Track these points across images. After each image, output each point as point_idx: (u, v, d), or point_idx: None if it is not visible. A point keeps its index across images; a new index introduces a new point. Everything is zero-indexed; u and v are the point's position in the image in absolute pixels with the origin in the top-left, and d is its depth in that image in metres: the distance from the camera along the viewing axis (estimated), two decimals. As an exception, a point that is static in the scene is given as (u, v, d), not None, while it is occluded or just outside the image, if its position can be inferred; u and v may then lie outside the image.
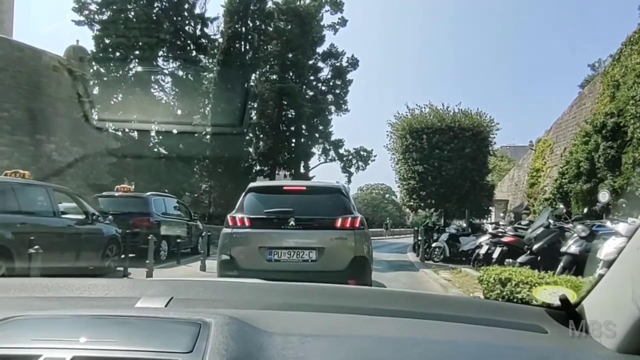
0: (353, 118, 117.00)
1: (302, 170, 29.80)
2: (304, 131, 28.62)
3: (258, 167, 27.98)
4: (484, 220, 19.77)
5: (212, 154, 24.16)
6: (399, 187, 17.14)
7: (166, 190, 21.51)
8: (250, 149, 27.49)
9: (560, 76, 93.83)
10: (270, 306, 1.14)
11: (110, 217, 9.36)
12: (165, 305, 1.07)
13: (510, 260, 7.90)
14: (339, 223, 5.43)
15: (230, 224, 5.49)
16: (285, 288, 1.39)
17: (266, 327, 0.93)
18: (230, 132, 23.63)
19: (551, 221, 7.72)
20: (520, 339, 1.03)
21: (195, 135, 23.71)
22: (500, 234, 9.44)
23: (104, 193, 11.85)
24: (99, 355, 0.77)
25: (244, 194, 5.84)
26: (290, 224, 5.35)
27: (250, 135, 26.39)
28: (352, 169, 33.32)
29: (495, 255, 8.44)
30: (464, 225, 18.47)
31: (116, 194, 10.96)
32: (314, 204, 5.72)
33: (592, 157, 15.28)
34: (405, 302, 1.31)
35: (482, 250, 9.27)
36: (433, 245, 13.81)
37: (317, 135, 30.15)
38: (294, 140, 28.95)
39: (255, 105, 27.59)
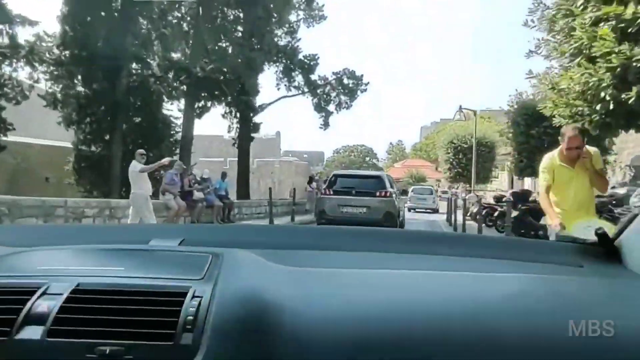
0: (333, 29, 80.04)
1: (248, 104, 18.28)
2: (239, 29, 16.89)
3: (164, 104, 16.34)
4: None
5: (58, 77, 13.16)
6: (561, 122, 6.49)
7: None
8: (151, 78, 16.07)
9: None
10: (286, 245, 1.12)
11: None
12: (178, 245, 1.07)
13: None
14: (377, 193, 10.58)
15: (323, 193, 11.19)
16: (303, 229, 1.36)
17: (281, 262, 0.91)
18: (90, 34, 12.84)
19: None
20: (557, 272, 1.02)
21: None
22: None
23: None
24: (106, 282, 0.77)
25: (330, 177, 11.73)
26: (353, 193, 10.56)
27: (135, 43, 14.98)
28: (331, 107, 21.96)
29: None
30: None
31: None
32: (366, 183, 10.94)
33: None
34: (440, 242, 1.30)
35: None
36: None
37: (267, 45, 18.37)
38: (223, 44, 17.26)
39: None
